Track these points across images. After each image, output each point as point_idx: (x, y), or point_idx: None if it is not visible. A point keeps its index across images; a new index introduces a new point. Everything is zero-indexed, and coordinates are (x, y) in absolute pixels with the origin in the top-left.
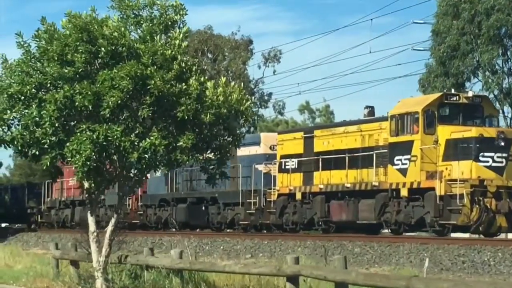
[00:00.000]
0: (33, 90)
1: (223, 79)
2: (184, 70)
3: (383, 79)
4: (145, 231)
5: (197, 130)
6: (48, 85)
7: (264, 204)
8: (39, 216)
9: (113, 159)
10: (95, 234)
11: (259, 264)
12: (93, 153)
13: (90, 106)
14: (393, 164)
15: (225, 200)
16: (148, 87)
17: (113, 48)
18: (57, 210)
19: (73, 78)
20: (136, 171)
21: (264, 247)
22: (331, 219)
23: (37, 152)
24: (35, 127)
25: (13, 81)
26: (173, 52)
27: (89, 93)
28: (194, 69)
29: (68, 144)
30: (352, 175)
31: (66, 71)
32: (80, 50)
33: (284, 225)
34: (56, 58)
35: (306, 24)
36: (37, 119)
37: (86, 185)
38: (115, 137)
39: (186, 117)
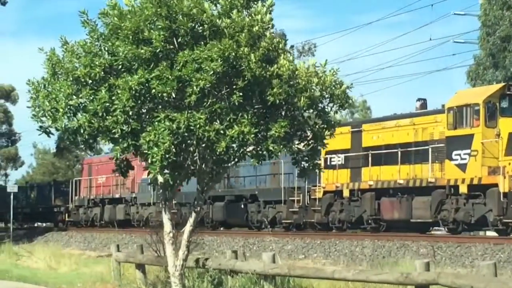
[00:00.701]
0: (102, 73)
1: (313, 59)
2: (271, 48)
3: (421, 73)
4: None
5: (289, 116)
6: (120, 67)
7: (308, 202)
8: (66, 214)
9: (192, 150)
10: (171, 235)
11: (378, 271)
12: (172, 145)
13: (172, 93)
14: (451, 159)
15: (266, 197)
16: (240, 69)
17: (193, 25)
18: (86, 208)
19: (150, 60)
20: (213, 164)
21: (317, 247)
22: (381, 218)
23: (106, 142)
24: (105, 114)
25: (78, 63)
26: (260, 28)
27: (170, 77)
28: (280, 47)
29: (143, 134)
30: (405, 171)
31: (142, 51)
32: (159, 27)
33: (330, 224)
34: (130, 37)
35: (321, 21)
36: (107, 104)
37: (160, 179)
38: (197, 126)
39: (278, 102)
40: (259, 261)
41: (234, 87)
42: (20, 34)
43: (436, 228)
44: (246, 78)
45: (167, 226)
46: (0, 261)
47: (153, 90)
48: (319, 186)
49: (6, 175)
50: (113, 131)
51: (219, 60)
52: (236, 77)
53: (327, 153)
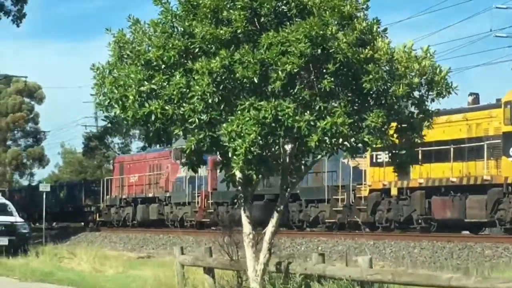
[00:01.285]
0: (177, 56)
1: (411, 41)
2: (365, 31)
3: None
4: (207, 231)
5: (386, 105)
6: (196, 50)
7: (353, 200)
8: (97, 214)
9: (279, 143)
10: (251, 236)
11: (504, 279)
12: (259, 137)
13: (255, 78)
14: (509, 156)
15: (308, 196)
16: (331, 51)
17: (277, 4)
18: (117, 208)
19: (230, 42)
20: (299, 158)
21: (371, 249)
22: (432, 217)
23: (180, 133)
24: (180, 101)
25: (151, 45)
26: (352, 9)
27: (252, 61)
28: (375, 29)
29: (225, 125)
30: (457, 168)
31: (221, 32)
32: (239, 6)
33: (376, 223)
34: (208, 16)
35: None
36: (184, 90)
37: (238, 175)
38: (286, 116)
39: (375, 89)
40: (351, 266)
41: (324, 70)
42: (38, 34)
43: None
44: (337, 61)
45: (247, 227)
46: (41, 263)
47: (237, 75)
48: (364, 184)
49: (32, 175)
50: (190, 120)
51: (306, 41)
52: (326, 60)
53: (373, 150)
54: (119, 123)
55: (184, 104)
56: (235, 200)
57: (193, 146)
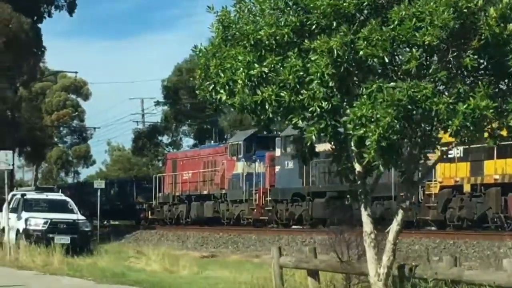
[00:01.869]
0: (291, 35)
1: None
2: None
3: None
4: (268, 229)
5: None
6: (313, 27)
7: (421, 198)
8: (149, 212)
9: (413, 129)
10: (372, 236)
11: None
12: (395, 121)
13: (385, 57)
14: None
15: (373, 193)
16: (478, 24)
17: None
18: (170, 205)
19: (354, 17)
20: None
21: (450, 247)
22: (509, 215)
23: (299, 122)
24: (298, 86)
25: (263, 22)
26: None
27: (380, 38)
28: None
29: (353, 109)
30: None
31: (345, 4)
32: None
33: (447, 222)
34: None
35: None
36: (301, 73)
37: (357, 168)
38: (424, 97)
39: None
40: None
41: (465, 47)
42: (78, 32)
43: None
44: (483, 37)
45: (368, 225)
46: (109, 263)
47: (360, 53)
48: (434, 181)
49: (78, 173)
50: (310, 109)
51: (450, 11)
52: (468, 36)
53: (443, 145)
54: (222, 111)
55: (302, 91)
56: (348, 196)
57: (313, 137)
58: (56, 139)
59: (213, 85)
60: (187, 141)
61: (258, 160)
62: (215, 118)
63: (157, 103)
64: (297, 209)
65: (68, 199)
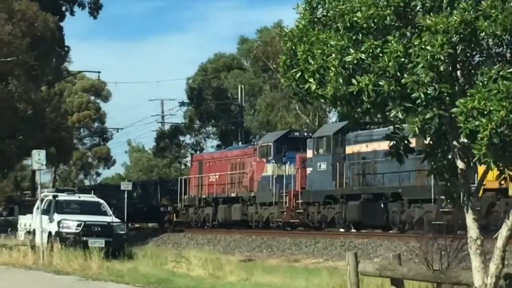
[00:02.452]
0: (394, 16)
1: None
2: None
3: None
4: (298, 232)
5: None
6: (419, 6)
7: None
8: (174, 214)
9: None
10: (478, 242)
11: None
12: (510, 115)
13: (504, 37)
14: None
15: (411, 196)
16: None
17: None
18: (196, 208)
19: None
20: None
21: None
22: None
23: (399, 114)
24: (398, 74)
25: (359, 2)
26: None
27: (501, 13)
28: None
29: (462, 100)
30: None
31: None
32: None
33: (490, 226)
34: None
35: None
36: (403, 60)
37: (460, 166)
38: None
39: None
40: None
41: None
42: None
43: None
44: None
45: (473, 230)
46: (150, 268)
47: (482, 33)
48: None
49: (98, 174)
50: (413, 96)
51: None
52: None
53: None
54: (310, 103)
55: (404, 75)
56: (444, 197)
57: (416, 129)
58: (75, 141)
59: (300, 73)
60: (211, 142)
61: (288, 162)
62: (241, 119)
63: (182, 104)
64: (329, 211)
65: (101, 200)
